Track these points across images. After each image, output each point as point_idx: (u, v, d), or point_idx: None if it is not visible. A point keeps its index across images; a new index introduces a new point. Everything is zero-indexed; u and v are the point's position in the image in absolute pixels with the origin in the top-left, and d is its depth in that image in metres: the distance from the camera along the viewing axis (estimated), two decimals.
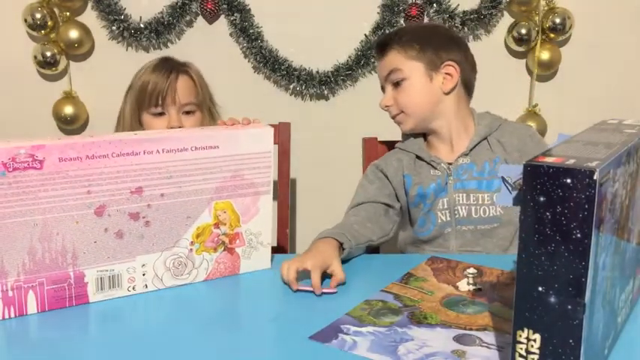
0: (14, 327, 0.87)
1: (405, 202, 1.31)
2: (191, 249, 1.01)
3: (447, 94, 1.28)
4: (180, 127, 1.36)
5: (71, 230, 0.91)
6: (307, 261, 0.99)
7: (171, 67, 1.39)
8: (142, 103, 1.37)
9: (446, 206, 1.26)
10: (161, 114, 1.37)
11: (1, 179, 0.85)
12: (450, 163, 1.29)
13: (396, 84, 1.29)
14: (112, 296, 0.96)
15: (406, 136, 1.36)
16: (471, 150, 1.28)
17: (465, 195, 1.26)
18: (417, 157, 1.32)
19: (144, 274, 0.98)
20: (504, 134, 1.30)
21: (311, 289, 0.97)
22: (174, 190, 0.98)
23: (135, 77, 1.41)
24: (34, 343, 0.84)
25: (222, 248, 1.04)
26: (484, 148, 1.29)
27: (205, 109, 1.43)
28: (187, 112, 1.39)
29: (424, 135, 1.34)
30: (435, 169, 1.29)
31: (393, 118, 1.33)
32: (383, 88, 1.34)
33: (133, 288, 0.97)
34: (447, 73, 1.28)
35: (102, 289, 0.95)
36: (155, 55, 1.95)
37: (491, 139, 1.29)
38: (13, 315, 0.89)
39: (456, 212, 1.26)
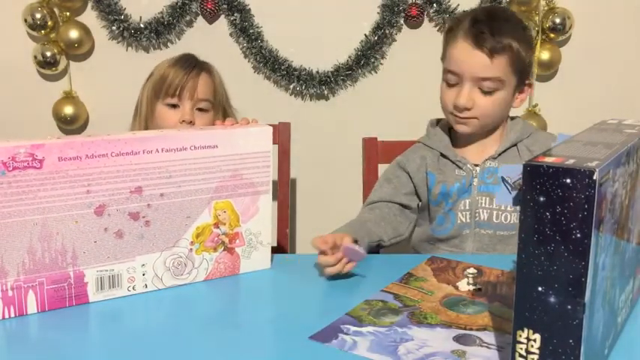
0: (14, 327, 0.87)
1: (426, 199, 1.29)
2: (191, 249, 1.01)
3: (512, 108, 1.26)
4: (191, 122, 1.37)
5: (71, 230, 0.91)
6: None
7: (194, 62, 1.40)
8: (159, 92, 1.37)
9: (467, 207, 1.25)
10: (175, 106, 1.37)
11: (1, 178, 0.85)
12: (476, 165, 1.26)
13: (487, 91, 1.20)
14: (112, 296, 0.96)
15: (430, 129, 1.33)
16: (499, 154, 1.26)
17: (488, 199, 1.24)
18: (442, 154, 1.29)
19: (144, 274, 0.98)
20: (535, 143, 1.27)
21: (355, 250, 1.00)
22: (174, 189, 0.98)
23: (155, 68, 1.42)
24: (34, 343, 0.84)
25: (222, 248, 1.04)
26: (513, 154, 1.26)
27: (220, 111, 1.43)
28: (201, 110, 1.39)
29: (449, 131, 1.31)
30: (460, 169, 1.27)
31: (458, 117, 1.23)
32: (449, 77, 1.23)
33: (133, 288, 0.97)
34: (521, 92, 1.25)
35: (102, 289, 0.95)
36: (155, 55, 1.96)
37: (520, 146, 1.27)
38: (13, 315, 0.89)
39: (476, 215, 1.25)
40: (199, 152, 0.98)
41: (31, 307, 0.90)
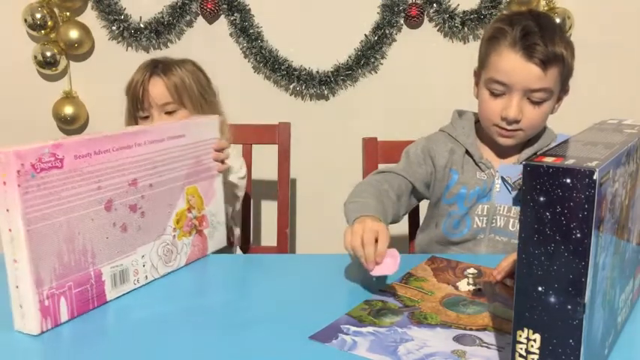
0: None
1: (440, 195, 1.27)
2: (174, 235, 1.06)
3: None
4: None
5: (89, 228, 0.90)
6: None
7: (151, 69, 1.39)
8: (132, 108, 1.40)
9: (485, 213, 1.24)
10: (147, 117, 1.39)
11: (32, 181, 0.81)
12: (498, 171, 1.24)
13: (536, 102, 1.16)
14: (123, 291, 0.97)
15: (457, 120, 1.29)
16: (521, 163, 1.21)
17: (506, 206, 1.22)
18: (466, 151, 1.26)
19: (144, 265, 1.00)
20: None
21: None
22: (158, 179, 1.02)
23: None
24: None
25: (195, 231, 1.10)
26: None
27: (196, 105, 1.40)
28: (169, 113, 1.38)
29: (476, 126, 1.27)
30: (482, 171, 1.24)
31: (504, 129, 1.19)
32: (496, 87, 1.18)
33: (138, 280, 0.99)
34: (559, 99, 1.22)
35: (115, 285, 0.95)
36: (155, 55, 1.95)
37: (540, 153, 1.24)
38: (50, 326, 0.85)
39: (493, 221, 1.23)
40: (172, 142, 1.04)
41: (63, 315, 0.87)
